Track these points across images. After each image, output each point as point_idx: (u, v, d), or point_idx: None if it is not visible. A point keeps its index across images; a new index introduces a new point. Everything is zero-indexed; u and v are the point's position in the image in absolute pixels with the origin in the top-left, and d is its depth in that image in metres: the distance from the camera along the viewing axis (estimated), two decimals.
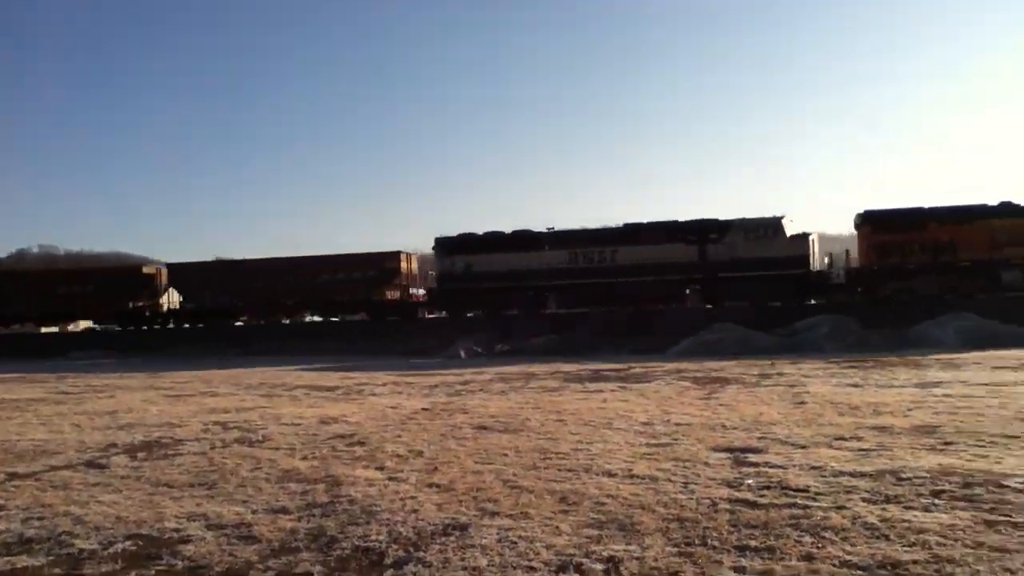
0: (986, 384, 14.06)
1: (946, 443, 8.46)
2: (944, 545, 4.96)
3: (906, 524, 5.44)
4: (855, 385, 14.67)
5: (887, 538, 5.17)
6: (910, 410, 11.04)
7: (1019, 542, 4.98)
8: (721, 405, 12.34)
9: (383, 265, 36.11)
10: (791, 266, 30.98)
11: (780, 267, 30.92)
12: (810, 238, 31.82)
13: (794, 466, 7.49)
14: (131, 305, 38.39)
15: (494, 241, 33.95)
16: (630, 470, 7.56)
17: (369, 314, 36.71)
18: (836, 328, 27.49)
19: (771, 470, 7.35)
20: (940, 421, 9.95)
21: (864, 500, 6.16)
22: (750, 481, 6.93)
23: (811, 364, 19.84)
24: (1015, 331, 25.97)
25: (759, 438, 9.15)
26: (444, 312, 35.80)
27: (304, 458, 8.83)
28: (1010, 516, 5.57)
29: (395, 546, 5.42)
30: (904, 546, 4.99)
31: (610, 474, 7.43)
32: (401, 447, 9.25)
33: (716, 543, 5.21)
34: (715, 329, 28.17)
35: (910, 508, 5.88)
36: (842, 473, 7.11)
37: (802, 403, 12.21)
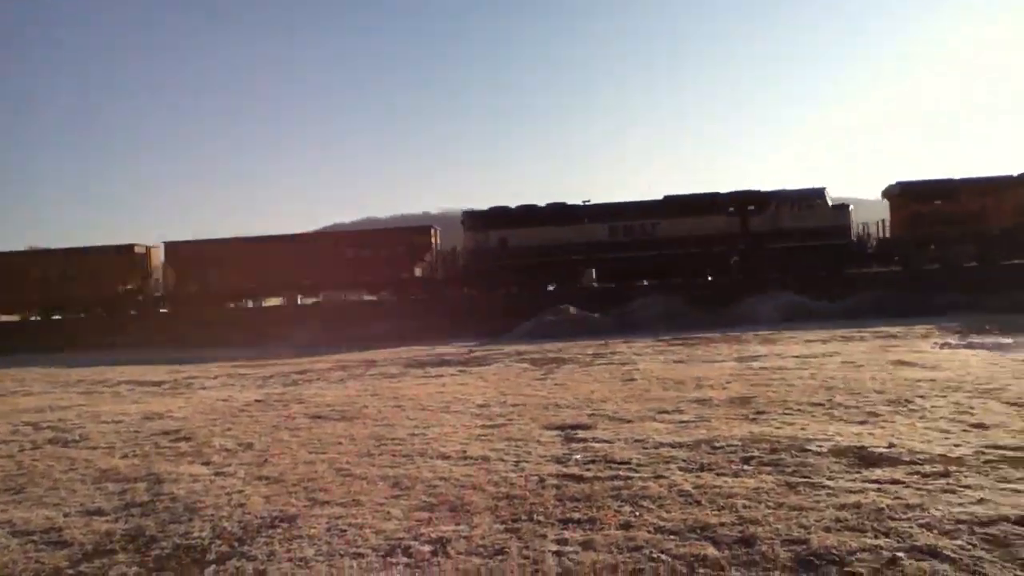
0: (798, 357, 15.12)
1: (758, 412, 9.04)
2: (749, 507, 5.32)
3: (717, 490, 5.79)
4: (681, 361, 15.42)
5: (699, 503, 5.49)
6: (728, 383, 11.72)
7: (815, 500, 5.40)
8: (556, 385, 12.68)
9: (413, 241, 34.34)
10: (833, 236, 31.71)
11: (822, 237, 31.54)
12: (849, 208, 32.70)
13: (620, 440, 7.82)
14: (121, 289, 34.33)
15: (531, 215, 33.04)
16: (464, 452, 7.66)
17: (394, 293, 34.35)
18: (667, 308, 28.75)
19: (598, 445, 7.64)
20: (755, 392, 10.62)
21: (681, 469, 6.51)
22: (578, 456, 7.17)
23: (642, 343, 20.67)
24: (827, 307, 28.05)
25: (590, 415, 9.47)
26: (465, 289, 34.00)
27: (124, 457, 8.41)
28: (809, 477, 6.03)
29: (219, 542, 5.27)
30: (714, 510, 5.31)
31: (444, 457, 7.50)
32: (230, 441, 8.96)
33: (542, 518, 5.37)
34: (554, 311, 28.84)
35: (722, 475, 6.26)
36: (663, 444, 7.48)
37: (631, 380, 12.72)
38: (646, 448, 7.39)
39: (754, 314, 27.89)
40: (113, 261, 34.93)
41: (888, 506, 5.15)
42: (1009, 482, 5.64)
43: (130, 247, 35.34)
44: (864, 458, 6.56)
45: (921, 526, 4.75)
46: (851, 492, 5.54)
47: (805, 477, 6.04)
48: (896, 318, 24.44)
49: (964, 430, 7.53)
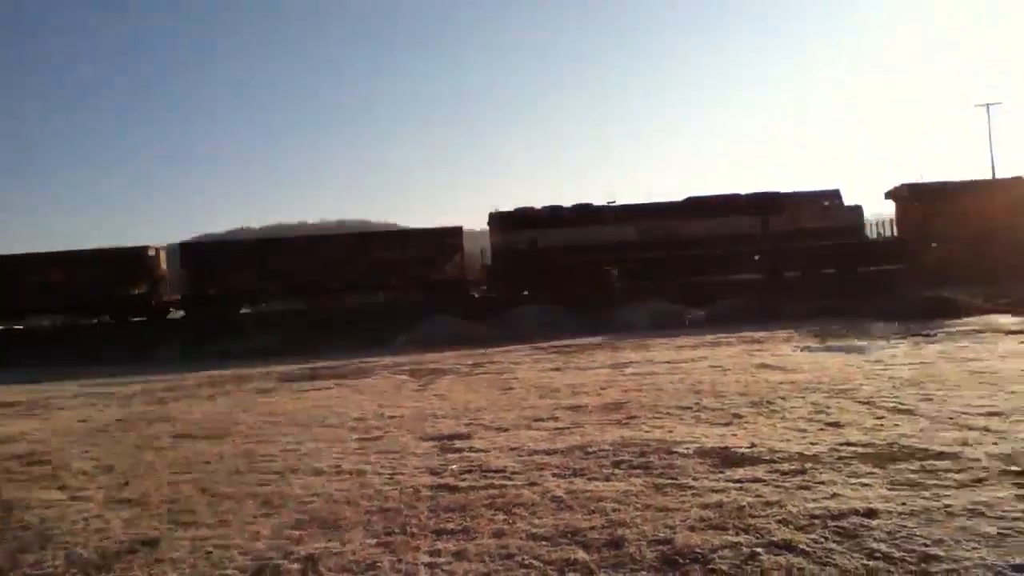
0: (668, 362, 15.58)
1: (630, 417, 9.27)
2: (618, 510, 5.45)
3: (588, 494, 5.90)
4: (558, 369, 15.65)
5: (571, 508, 5.58)
6: (603, 389, 11.98)
7: (680, 501, 5.58)
8: (435, 396, 12.64)
9: (445, 241, 33.18)
10: (850, 235, 33.02)
11: (840, 236, 32.63)
12: (861, 208, 33.83)
13: (495, 449, 7.86)
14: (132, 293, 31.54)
15: (559, 215, 33.13)
16: (338, 466, 7.53)
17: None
18: (542, 316, 29.15)
19: (474, 454, 7.66)
20: (627, 398, 10.88)
21: (554, 475, 6.60)
22: (453, 467, 7.17)
23: (521, 352, 20.87)
24: (695, 313, 29.06)
25: (467, 425, 9.48)
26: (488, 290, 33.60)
27: None
28: (676, 479, 6.23)
29: (73, 570, 4.99)
30: (585, 514, 5.41)
31: (318, 472, 7.35)
32: (88, 463, 8.51)
33: (416, 530, 5.34)
34: (434, 322, 28.77)
35: (593, 479, 6.39)
36: (537, 452, 7.57)
37: (509, 389, 12.83)
38: (521, 456, 7.46)
39: (629, 321, 28.62)
40: (123, 263, 32.46)
41: (749, 504, 5.37)
42: (859, 477, 5.98)
43: (143, 249, 32.99)
44: (727, 458, 6.82)
45: (778, 522, 4.97)
46: (714, 492, 5.76)
47: (672, 479, 6.23)
48: (765, 322, 25.55)
49: (820, 429, 7.93)
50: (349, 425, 10.07)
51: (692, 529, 4.94)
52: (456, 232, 34.20)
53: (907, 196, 34.47)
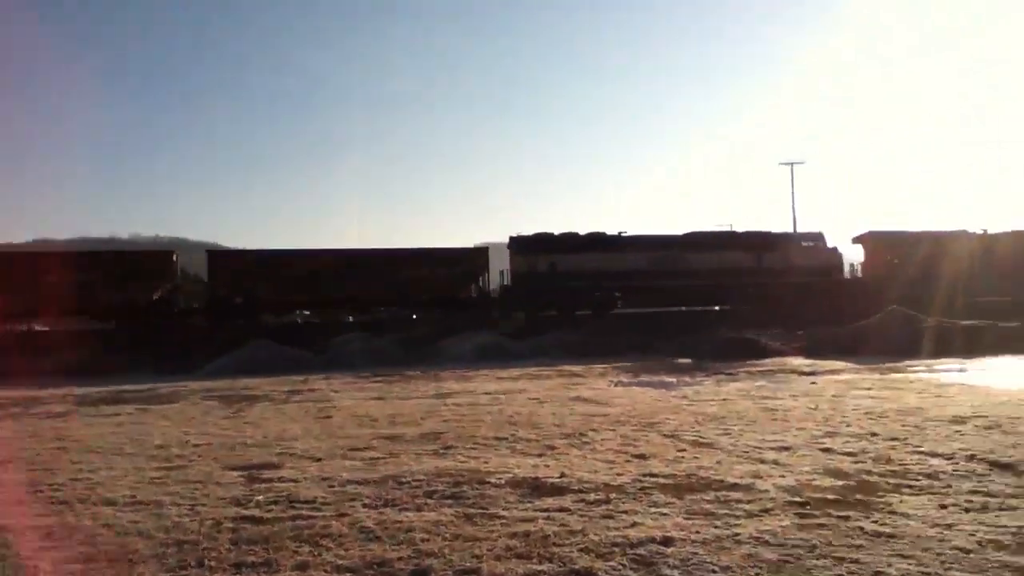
0: (488, 393, 15.76)
1: (447, 447, 9.28)
2: (427, 540, 5.42)
3: (398, 524, 5.84)
4: (379, 398, 15.46)
5: (379, 539, 5.50)
6: (422, 419, 11.94)
7: (489, 531, 5.62)
8: (246, 423, 12.16)
9: (475, 261, 34.37)
10: (832, 272, 37.20)
11: (823, 274, 36.68)
12: (838, 249, 37.67)
13: (306, 479, 7.64)
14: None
15: (577, 242, 34.96)
16: (134, 497, 7.08)
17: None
18: (367, 344, 28.80)
19: (283, 485, 7.41)
20: (446, 428, 10.90)
21: (365, 506, 6.49)
22: (260, 497, 6.91)
23: (342, 380, 20.48)
24: (519, 347, 29.60)
25: (278, 454, 9.17)
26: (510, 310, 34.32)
27: None
28: (486, 509, 6.28)
29: None
30: (393, 545, 5.35)
31: (110, 503, 6.88)
32: None
33: (214, 563, 5.09)
34: (250, 347, 27.75)
35: (404, 510, 6.33)
36: (350, 482, 7.42)
37: (327, 417, 12.54)
38: (332, 486, 7.29)
39: (454, 353, 28.76)
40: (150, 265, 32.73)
41: (554, 532, 5.49)
42: (659, 506, 6.24)
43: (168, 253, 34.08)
44: (538, 488, 6.95)
45: (580, 550, 5.10)
46: (523, 521, 5.84)
47: (482, 508, 6.28)
48: (582, 357, 26.35)
49: (627, 460, 8.24)
50: (149, 453, 9.49)
51: (498, 558, 4.98)
52: (484, 252, 35.77)
53: (871, 241, 38.99)
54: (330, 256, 34.95)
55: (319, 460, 8.71)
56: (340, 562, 5.02)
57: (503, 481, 7.25)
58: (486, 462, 8.29)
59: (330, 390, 17.56)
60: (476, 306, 34.96)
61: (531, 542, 5.30)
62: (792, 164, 62.53)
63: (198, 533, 5.81)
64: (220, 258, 35.51)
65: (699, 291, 35.74)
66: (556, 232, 35.98)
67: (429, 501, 6.60)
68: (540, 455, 8.67)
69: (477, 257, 35.54)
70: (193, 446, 9.92)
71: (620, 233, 36.59)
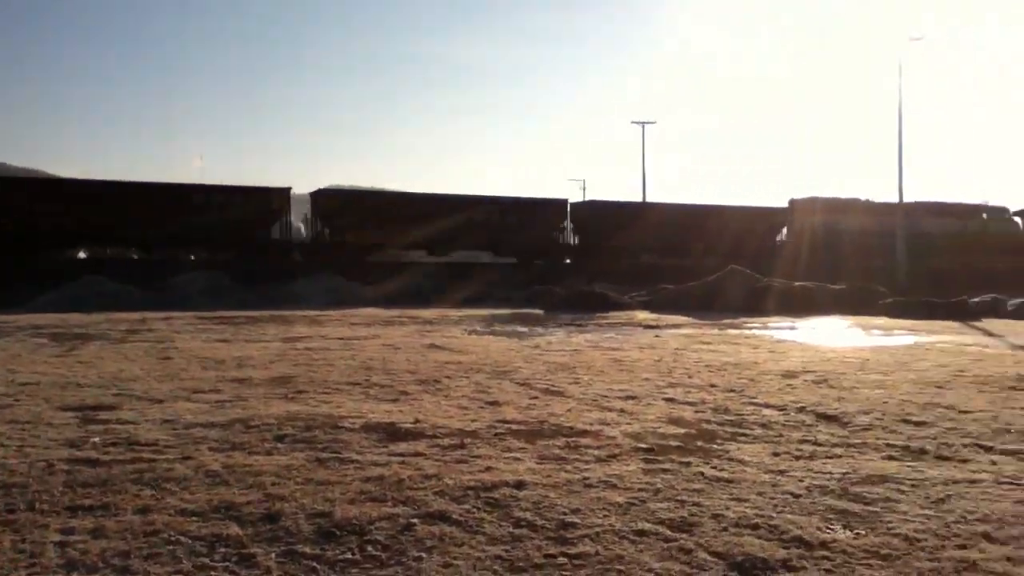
0: (341, 339, 15.53)
1: (298, 392, 9.09)
2: (278, 484, 5.29)
3: (247, 468, 5.67)
4: (224, 340, 14.95)
5: (227, 483, 5.32)
6: (271, 363, 11.63)
7: (342, 475, 5.56)
8: (79, 363, 11.48)
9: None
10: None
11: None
12: None
13: (147, 421, 7.31)
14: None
15: None
16: None
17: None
18: (211, 283, 27.74)
19: (121, 426, 7.05)
20: (297, 372, 10.67)
21: (211, 449, 6.26)
22: (96, 439, 6.54)
23: (183, 320, 19.66)
24: (365, 291, 29.32)
25: (115, 395, 8.72)
26: None
27: None
28: (339, 453, 6.19)
29: None
30: (242, 489, 5.19)
31: None
32: None
33: (46, 507, 4.79)
34: (84, 283, 26.15)
35: (253, 454, 6.16)
36: (194, 425, 7.15)
37: (167, 358, 12.01)
38: (176, 429, 7.00)
39: (304, 295, 28.15)
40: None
41: (409, 476, 5.48)
42: (512, 451, 6.35)
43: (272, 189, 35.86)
44: (393, 433, 6.92)
45: (435, 494, 5.12)
46: (377, 465, 5.81)
47: (335, 453, 6.19)
48: (434, 304, 26.38)
49: (480, 407, 8.33)
50: None
51: (352, 502, 4.93)
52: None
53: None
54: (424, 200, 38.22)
55: (160, 402, 8.33)
56: (185, 506, 4.83)
57: (356, 426, 7.17)
58: (339, 407, 8.18)
59: (171, 330, 16.84)
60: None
61: (385, 486, 5.28)
62: (643, 123, 64.10)
63: (27, 476, 5.45)
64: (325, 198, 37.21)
65: None
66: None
67: (280, 445, 6.44)
68: (394, 401, 8.63)
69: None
70: (19, 385, 9.29)
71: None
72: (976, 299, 26.77)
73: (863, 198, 48.77)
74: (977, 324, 21.40)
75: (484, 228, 38.50)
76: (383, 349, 13.71)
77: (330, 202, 37.63)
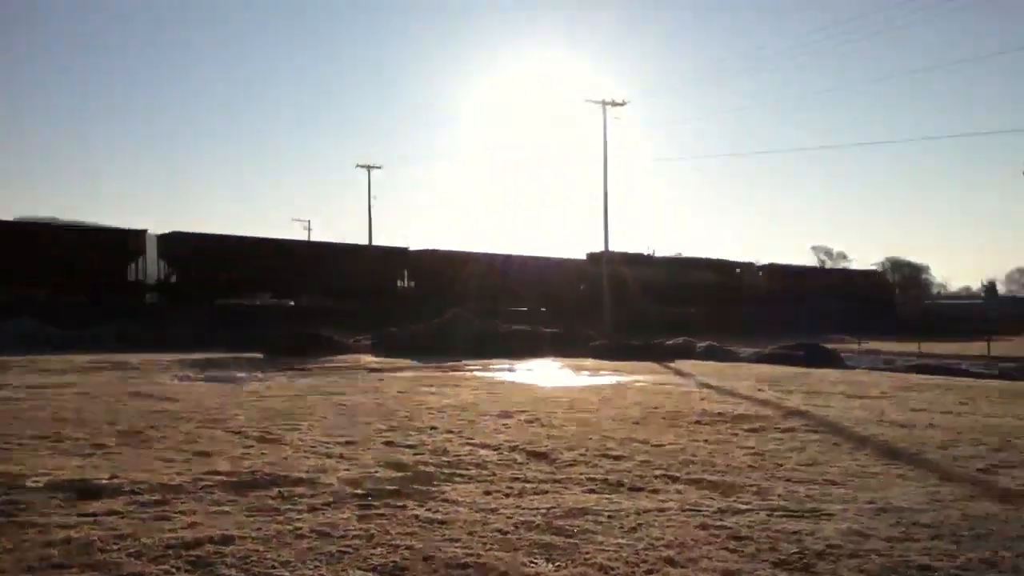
0: (30, 387, 13.99)
1: None
2: None
3: None
4: None
5: None
6: None
7: (21, 540, 4.97)
8: None
9: None
10: None
11: None
12: None
13: None
14: None
15: None
16: None
17: None
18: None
19: None
20: None
21: None
22: None
23: None
24: (67, 335, 26.74)
25: None
26: None
27: None
28: (16, 516, 5.53)
29: None
30: None
31: None
32: None
33: None
34: None
35: None
36: None
37: None
38: None
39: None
40: None
41: (99, 538, 5.02)
42: (220, 505, 6.02)
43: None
44: (84, 491, 6.31)
45: (130, 555, 4.73)
46: (63, 527, 5.26)
47: (11, 516, 5.52)
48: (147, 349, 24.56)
49: (187, 459, 7.83)
50: None
51: (29, 570, 4.42)
52: None
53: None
54: None
55: None
56: None
57: (41, 484, 6.46)
58: (22, 464, 7.32)
59: None
60: None
61: (71, 550, 4.79)
62: (369, 168, 64.59)
63: None
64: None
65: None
66: None
67: None
68: (89, 455, 7.88)
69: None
70: None
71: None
72: (670, 342, 29.56)
73: (648, 252, 56.81)
74: (671, 364, 23.59)
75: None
76: (78, 398, 12.50)
77: (177, 246, 36.25)
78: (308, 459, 7.91)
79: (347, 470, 7.39)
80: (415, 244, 46.31)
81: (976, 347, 28.66)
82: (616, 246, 50.51)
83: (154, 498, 6.16)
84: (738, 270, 61.32)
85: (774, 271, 63.51)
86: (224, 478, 6.93)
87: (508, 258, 48.72)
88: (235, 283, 37.51)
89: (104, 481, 6.65)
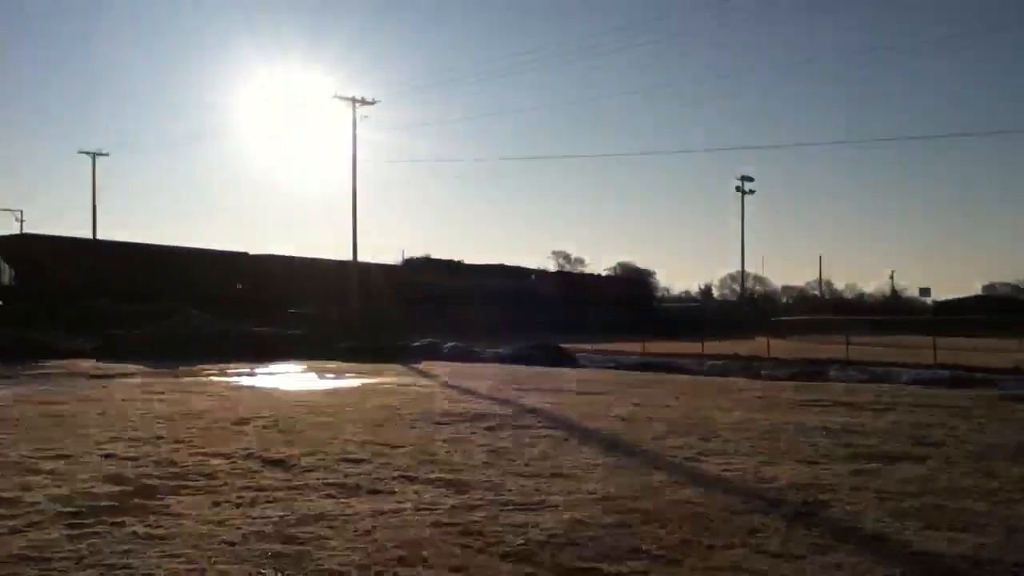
0: None
1: None
2: None
3: None
4: None
5: None
6: None
7: None
8: None
9: None
10: None
11: None
12: None
13: None
14: None
15: None
16: None
17: None
18: None
19: None
20: None
21: None
22: None
23: None
24: None
25: None
26: None
27: None
28: None
29: None
30: None
31: None
32: None
33: None
34: None
35: None
36: None
37: None
38: None
39: None
40: None
41: None
42: None
43: None
44: None
45: None
46: None
47: None
48: None
49: None
50: None
51: None
52: None
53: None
54: None
55: None
56: None
57: None
58: None
59: None
60: None
61: None
62: (94, 154, 59.75)
63: None
64: None
65: None
66: None
67: None
68: None
69: None
70: None
71: None
72: (417, 343, 29.87)
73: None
74: (418, 366, 23.81)
75: None
76: None
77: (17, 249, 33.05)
78: (11, 477, 7.15)
79: (57, 487, 6.77)
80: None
81: (694, 347, 31.46)
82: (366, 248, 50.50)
83: None
84: (532, 276, 68.37)
85: (557, 277, 71.12)
86: None
87: (290, 260, 48.01)
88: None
89: None
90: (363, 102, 47.80)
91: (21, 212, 69.44)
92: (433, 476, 7.35)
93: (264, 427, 10.34)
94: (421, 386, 16.97)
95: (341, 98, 47.65)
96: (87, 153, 60.69)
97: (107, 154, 61.49)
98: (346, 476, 7.31)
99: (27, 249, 37.75)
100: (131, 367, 21.16)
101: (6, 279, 36.78)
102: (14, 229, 58.91)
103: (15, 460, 7.95)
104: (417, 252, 69.16)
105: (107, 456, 8.22)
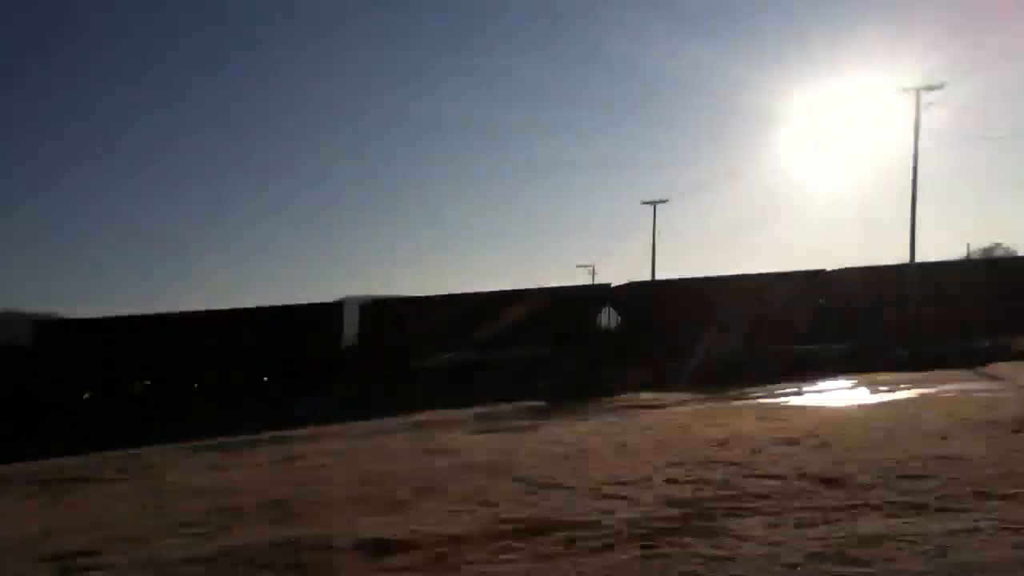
0: (339, 451, 15.28)
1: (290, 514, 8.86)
2: None
3: None
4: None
5: None
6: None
7: None
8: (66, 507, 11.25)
9: None
10: None
11: None
12: None
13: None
14: None
15: None
16: None
17: None
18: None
19: None
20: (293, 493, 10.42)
21: None
22: None
23: (179, 450, 19.38)
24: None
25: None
26: None
27: None
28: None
29: None
30: None
31: None
32: None
33: None
34: None
35: None
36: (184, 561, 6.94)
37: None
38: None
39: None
40: None
41: None
42: (507, 552, 6.13)
43: None
44: (384, 547, 6.70)
45: None
46: None
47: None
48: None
49: (473, 509, 8.09)
50: None
51: None
52: None
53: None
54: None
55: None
56: None
57: (346, 544, 6.96)
58: (329, 525, 7.96)
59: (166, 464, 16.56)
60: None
61: None
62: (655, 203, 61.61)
63: None
64: None
65: None
66: None
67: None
68: (387, 512, 8.41)
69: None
70: None
71: None
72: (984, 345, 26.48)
73: None
74: (983, 370, 21.13)
75: None
76: (380, 459, 13.45)
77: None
78: (589, 501, 7.89)
79: (628, 510, 7.28)
80: None
81: None
82: None
83: (444, 550, 6.40)
84: None
85: None
86: (511, 526, 7.07)
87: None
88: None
89: (402, 537, 7.03)
90: (928, 88, 42.82)
91: (593, 268, 72.33)
92: (1012, 492, 6.34)
93: (815, 446, 10.00)
94: (990, 392, 14.99)
95: (904, 90, 42.97)
96: (648, 203, 60.48)
97: (666, 201, 60.74)
98: (907, 493, 6.67)
99: (632, 293, 40.54)
100: (684, 395, 22.28)
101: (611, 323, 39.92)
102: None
103: (591, 486, 8.76)
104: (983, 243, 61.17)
105: (669, 480, 8.65)
